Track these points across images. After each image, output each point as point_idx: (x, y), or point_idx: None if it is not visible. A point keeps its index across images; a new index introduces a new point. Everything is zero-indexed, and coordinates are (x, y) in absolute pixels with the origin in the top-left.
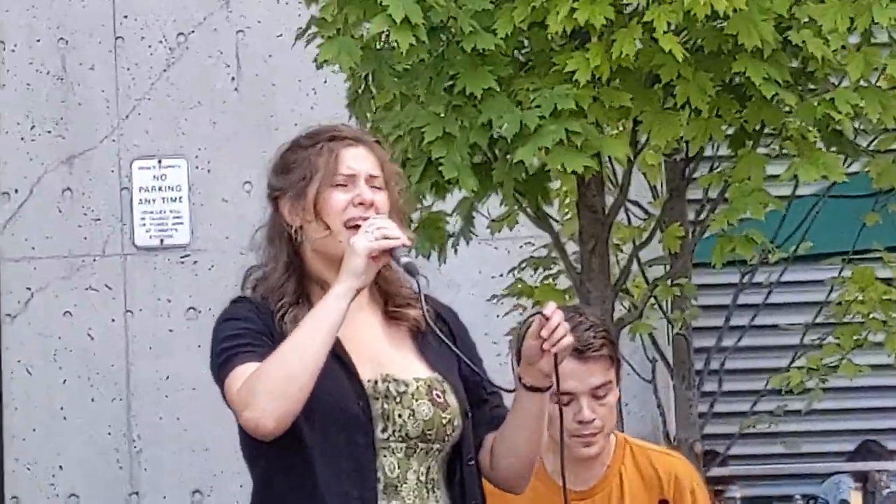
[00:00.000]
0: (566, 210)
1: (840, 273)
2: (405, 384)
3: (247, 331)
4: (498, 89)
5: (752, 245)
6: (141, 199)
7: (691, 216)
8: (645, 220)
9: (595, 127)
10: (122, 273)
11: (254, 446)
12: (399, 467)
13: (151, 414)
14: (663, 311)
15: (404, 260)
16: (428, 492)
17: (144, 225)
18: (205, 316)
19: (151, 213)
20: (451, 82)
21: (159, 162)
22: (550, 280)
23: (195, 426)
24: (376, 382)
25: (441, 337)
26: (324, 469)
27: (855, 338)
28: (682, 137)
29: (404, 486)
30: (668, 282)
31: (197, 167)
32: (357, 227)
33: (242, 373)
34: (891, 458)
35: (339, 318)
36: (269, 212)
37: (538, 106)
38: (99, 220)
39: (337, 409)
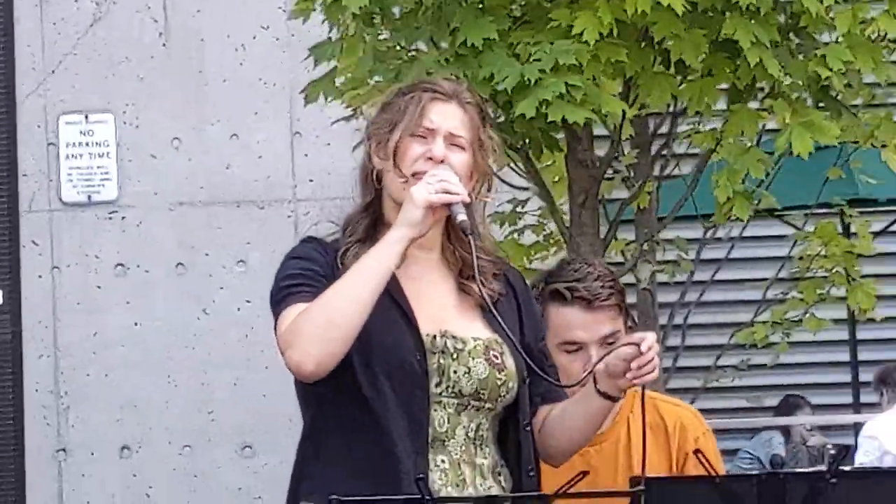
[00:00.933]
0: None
1: (803, 227)
2: (463, 342)
3: (308, 271)
4: (498, 40)
5: (749, 204)
6: (68, 155)
7: (656, 171)
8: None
9: (592, 83)
10: (49, 229)
11: (309, 390)
12: (448, 422)
13: (80, 371)
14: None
15: (460, 218)
16: (476, 448)
17: (72, 181)
18: (133, 272)
19: (79, 168)
20: (450, 35)
21: (86, 117)
22: (515, 235)
23: (123, 383)
24: (435, 337)
25: (499, 322)
26: (380, 418)
27: (819, 292)
28: (674, 97)
29: (451, 440)
30: (653, 236)
31: (125, 123)
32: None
33: (295, 311)
34: (811, 412)
35: (390, 265)
36: (363, 153)
37: (538, 60)
38: (26, 175)
39: (395, 361)
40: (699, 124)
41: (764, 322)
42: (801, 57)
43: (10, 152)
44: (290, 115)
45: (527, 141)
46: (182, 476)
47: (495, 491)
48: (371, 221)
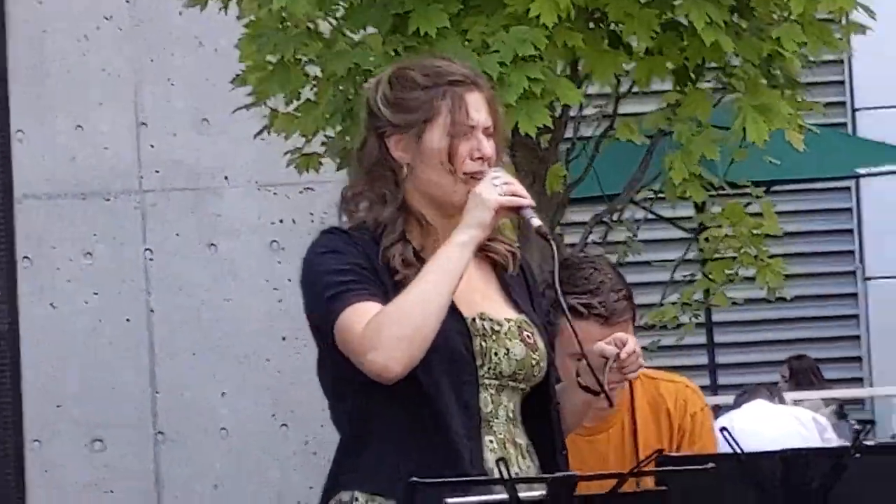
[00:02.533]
0: None
1: (710, 208)
2: (499, 323)
3: (353, 266)
4: (450, 27)
5: (703, 189)
6: None
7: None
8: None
9: (547, 68)
10: None
11: (350, 383)
12: (492, 402)
13: None
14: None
15: (536, 223)
16: (514, 427)
17: None
18: None
19: None
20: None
21: None
22: None
23: None
24: (474, 320)
25: (566, 314)
26: (435, 402)
27: (727, 272)
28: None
29: (496, 420)
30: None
31: None
32: (474, 181)
33: (364, 311)
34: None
35: (464, 267)
36: (369, 142)
37: (496, 51)
38: None
39: (444, 347)
40: (606, 105)
41: (673, 303)
42: (752, 38)
43: None
44: (136, 105)
45: None
46: (31, 469)
47: (534, 470)
48: (403, 216)
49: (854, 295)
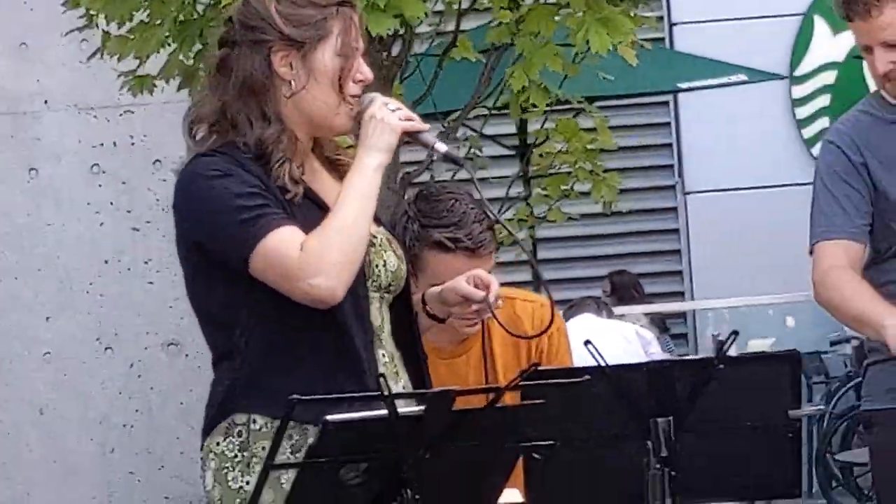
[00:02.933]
0: None
1: (543, 125)
2: (374, 236)
3: (256, 188)
4: None
5: (546, 95)
6: None
7: None
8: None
9: None
10: None
11: (244, 305)
12: (379, 316)
13: None
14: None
15: (442, 147)
16: (391, 339)
17: None
18: None
19: None
20: None
21: None
22: None
23: None
24: None
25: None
26: (338, 320)
27: (563, 188)
28: None
29: (383, 333)
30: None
31: None
32: (354, 101)
33: (290, 236)
34: None
35: (377, 191)
36: (245, 58)
37: None
38: None
39: None
40: (442, 23)
41: (510, 219)
42: None
43: None
44: None
45: None
46: None
47: (408, 383)
48: (288, 136)
49: (674, 209)
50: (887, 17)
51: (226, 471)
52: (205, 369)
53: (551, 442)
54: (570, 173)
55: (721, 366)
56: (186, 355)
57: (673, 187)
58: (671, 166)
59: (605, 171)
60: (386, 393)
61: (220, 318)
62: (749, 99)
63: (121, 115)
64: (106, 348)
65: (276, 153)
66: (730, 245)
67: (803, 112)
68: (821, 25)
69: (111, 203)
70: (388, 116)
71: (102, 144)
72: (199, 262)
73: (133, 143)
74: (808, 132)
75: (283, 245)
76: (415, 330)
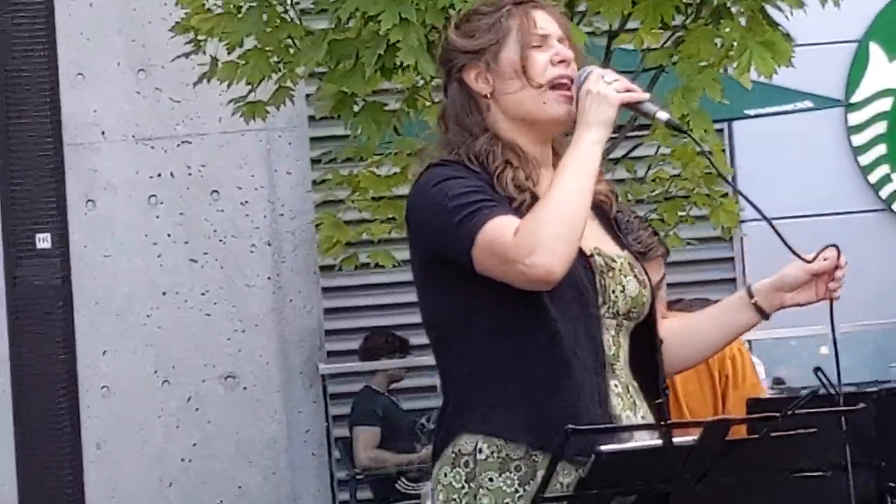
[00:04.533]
0: None
1: (657, 151)
2: (612, 259)
3: (477, 187)
4: None
5: (708, 119)
6: None
7: None
8: None
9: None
10: None
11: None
12: (614, 344)
13: None
14: None
15: (663, 115)
16: (629, 369)
17: None
18: None
19: None
20: None
21: None
22: (375, 168)
23: None
24: (592, 255)
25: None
26: (565, 336)
27: (680, 213)
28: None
29: (617, 363)
30: None
31: None
32: (562, 85)
33: (507, 223)
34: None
35: (597, 165)
36: (451, 89)
37: None
38: None
39: (572, 279)
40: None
41: None
42: None
43: None
44: None
45: None
46: None
47: (647, 415)
48: (500, 146)
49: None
50: None
51: (453, 503)
52: (262, 402)
53: (820, 472)
54: (687, 197)
55: None
56: (244, 388)
57: None
58: (726, 194)
59: (723, 195)
60: (663, 423)
61: (448, 333)
62: (804, 126)
63: (178, 145)
64: (163, 381)
65: (493, 163)
66: None
67: (859, 139)
68: (876, 52)
69: (168, 234)
70: (605, 89)
71: (160, 175)
72: (433, 273)
73: (190, 174)
74: (865, 160)
75: (499, 230)
76: (658, 359)
